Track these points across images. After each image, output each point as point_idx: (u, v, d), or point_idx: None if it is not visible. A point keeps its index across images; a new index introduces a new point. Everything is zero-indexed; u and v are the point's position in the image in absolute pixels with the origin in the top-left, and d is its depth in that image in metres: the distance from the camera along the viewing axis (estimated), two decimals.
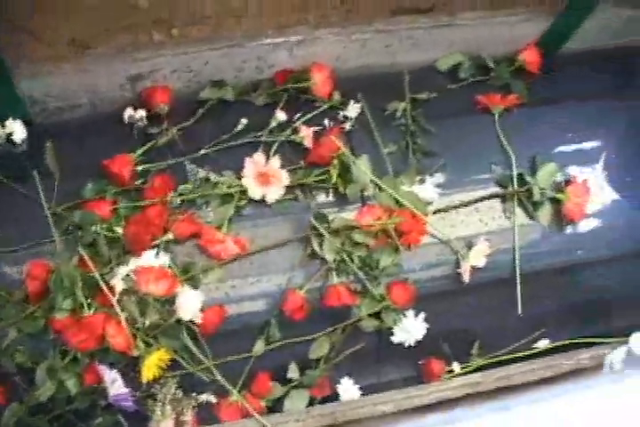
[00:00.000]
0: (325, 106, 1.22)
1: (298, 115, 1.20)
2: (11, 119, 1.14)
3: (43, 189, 1.09)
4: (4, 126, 1.13)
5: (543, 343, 1.15)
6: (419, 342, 1.11)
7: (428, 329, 1.11)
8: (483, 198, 1.20)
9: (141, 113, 1.17)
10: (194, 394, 1.03)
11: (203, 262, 1.09)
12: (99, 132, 1.15)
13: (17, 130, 1.13)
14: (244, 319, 1.08)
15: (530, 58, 1.32)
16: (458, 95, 1.27)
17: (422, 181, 1.17)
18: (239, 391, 1.05)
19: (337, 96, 1.24)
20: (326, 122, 1.20)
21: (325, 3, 1.26)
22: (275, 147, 1.16)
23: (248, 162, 1.12)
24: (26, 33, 1.14)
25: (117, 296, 1.03)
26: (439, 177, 1.19)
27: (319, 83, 1.22)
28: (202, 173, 1.13)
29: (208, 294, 1.06)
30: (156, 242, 1.08)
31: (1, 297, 1.04)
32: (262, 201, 1.14)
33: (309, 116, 1.20)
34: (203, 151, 1.14)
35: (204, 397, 1.03)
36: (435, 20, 1.31)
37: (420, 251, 1.15)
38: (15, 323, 1.03)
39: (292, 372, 1.08)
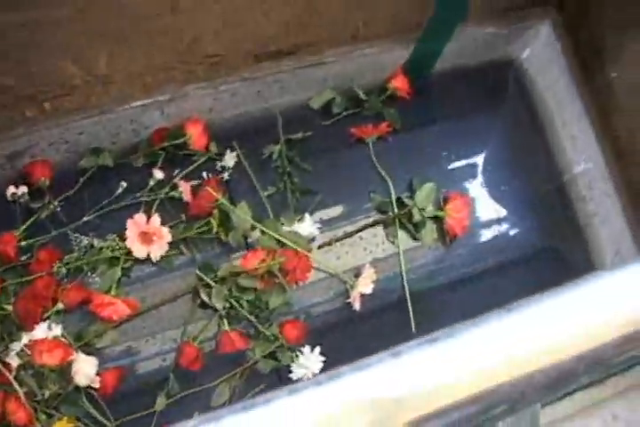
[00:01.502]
0: (202, 159, 1.25)
1: (177, 171, 1.23)
2: None
3: None
4: None
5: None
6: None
7: (325, 361, 1.13)
8: (365, 227, 1.23)
9: (23, 189, 1.20)
10: None
11: (96, 327, 1.10)
12: None
13: None
14: (144, 378, 1.11)
15: (399, 85, 1.37)
16: (333, 130, 1.32)
17: (302, 220, 1.20)
18: None
19: (213, 148, 1.28)
20: (204, 174, 1.23)
21: (190, 58, 1.29)
22: (155, 205, 1.18)
23: (129, 223, 1.16)
24: None
25: (14, 372, 1.04)
26: (323, 212, 1.22)
27: (195, 137, 1.26)
28: (85, 241, 1.16)
29: (104, 358, 1.08)
30: (47, 314, 1.10)
31: None
32: (148, 260, 1.16)
33: (187, 171, 1.23)
34: (85, 219, 1.17)
35: None
36: (300, 61, 1.35)
37: (310, 287, 1.18)
38: None
39: None
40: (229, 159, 1.27)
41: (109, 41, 1.20)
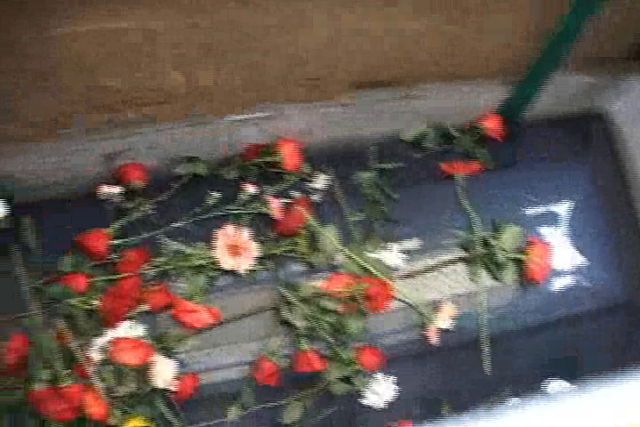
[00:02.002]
0: (294, 178, 1.40)
1: (267, 187, 1.38)
2: None
3: (22, 263, 1.25)
4: None
5: (513, 401, 1.30)
6: (389, 405, 1.25)
7: (397, 391, 1.26)
8: (447, 262, 1.37)
9: (116, 189, 1.34)
10: None
11: (177, 332, 1.24)
12: (75, 208, 1.33)
13: None
14: (218, 387, 1.24)
15: (491, 126, 1.52)
16: (423, 164, 1.46)
17: (387, 248, 1.34)
18: None
19: (305, 168, 1.42)
20: (294, 193, 1.38)
21: (291, 79, 1.45)
22: (244, 219, 1.33)
23: (219, 234, 1.30)
24: (3, 114, 1.33)
25: (94, 367, 1.18)
26: (405, 243, 1.36)
27: (287, 156, 1.41)
28: (175, 246, 1.30)
29: (182, 363, 1.21)
30: (131, 313, 1.23)
31: None
32: (233, 271, 1.30)
33: (278, 188, 1.38)
34: (176, 224, 1.31)
35: None
36: (397, 92, 1.51)
37: (388, 315, 1.31)
38: None
39: None
40: (320, 181, 1.41)
41: (217, 55, 1.36)
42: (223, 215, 1.34)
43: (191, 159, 1.38)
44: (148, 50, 1.29)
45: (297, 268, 1.32)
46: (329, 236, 1.30)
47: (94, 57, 1.24)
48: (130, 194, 1.35)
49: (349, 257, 1.31)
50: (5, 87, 1.23)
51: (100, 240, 1.26)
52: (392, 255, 1.33)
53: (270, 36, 1.34)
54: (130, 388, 1.18)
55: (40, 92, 1.28)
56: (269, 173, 1.41)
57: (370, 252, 1.33)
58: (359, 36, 1.39)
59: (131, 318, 1.23)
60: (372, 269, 1.30)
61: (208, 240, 1.30)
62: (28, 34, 1.17)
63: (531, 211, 1.45)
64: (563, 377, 1.36)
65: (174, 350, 1.23)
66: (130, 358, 1.18)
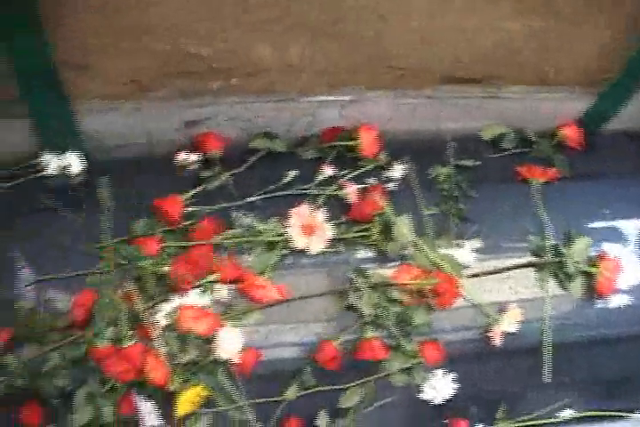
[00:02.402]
0: (371, 165, 1.49)
1: (344, 171, 1.47)
2: (68, 153, 1.40)
3: (96, 220, 1.34)
4: (61, 159, 1.39)
5: (567, 413, 1.40)
6: (446, 401, 1.35)
7: (455, 389, 1.35)
8: (517, 266, 1.46)
9: (194, 157, 1.44)
10: None
11: (243, 306, 1.33)
12: (151, 172, 1.42)
13: (74, 163, 1.40)
14: (279, 364, 1.33)
15: (571, 134, 1.62)
16: (500, 164, 1.56)
17: (460, 245, 1.44)
18: None
19: (383, 156, 1.52)
20: (371, 180, 1.47)
21: (380, 66, 1.55)
22: (319, 200, 1.43)
23: (294, 213, 1.39)
24: (87, 71, 1.42)
25: (159, 331, 1.27)
26: (476, 242, 1.46)
27: (366, 143, 1.50)
28: (248, 220, 1.39)
29: (246, 337, 1.30)
30: (200, 282, 1.33)
31: (47, 322, 1.27)
32: (304, 251, 1.39)
33: (355, 173, 1.47)
34: (251, 199, 1.41)
35: None
36: (482, 90, 1.61)
37: (453, 312, 1.41)
38: (58, 348, 1.26)
39: (322, 419, 1.32)
40: (397, 171, 1.51)
41: (308, 33, 1.45)
42: (298, 194, 1.42)
43: (269, 135, 1.48)
44: (239, 20, 1.37)
45: (367, 254, 1.41)
46: (402, 226, 1.40)
47: (185, 23, 1.34)
48: (206, 163, 1.44)
49: (421, 250, 1.40)
50: (95, 46, 1.33)
51: (176, 206, 1.35)
52: (464, 253, 1.42)
53: (365, 20, 1.43)
54: (192, 356, 1.26)
55: (128, 53, 1.37)
56: (346, 158, 1.50)
57: (442, 247, 1.41)
58: (455, 30, 1.49)
59: (199, 287, 1.30)
60: (442, 264, 1.39)
61: (282, 217, 1.39)
62: None
63: (601, 224, 1.54)
64: (617, 397, 1.45)
65: (239, 324, 1.30)
66: (196, 326, 1.27)
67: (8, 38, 1.18)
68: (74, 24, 1.26)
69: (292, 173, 1.43)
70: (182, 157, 1.41)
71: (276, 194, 1.42)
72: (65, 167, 1.39)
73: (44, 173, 1.39)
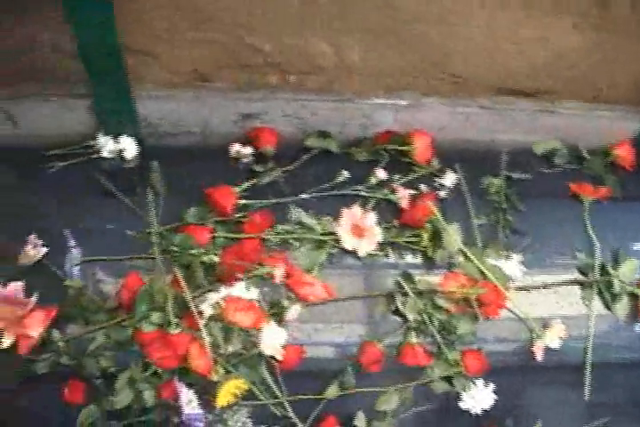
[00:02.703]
0: (423, 171, 1.58)
1: (396, 176, 1.55)
2: (124, 136, 1.48)
3: (147, 205, 1.42)
4: (117, 142, 1.47)
5: None
6: (484, 412, 1.42)
7: (495, 400, 1.43)
8: (563, 283, 1.54)
9: (248, 150, 1.52)
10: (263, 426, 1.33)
11: (289, 302, 1.41)
12: (204, 161, 1.50)
13: (128, 147, 1.48)
14: (321, 363, 1.40)
15: (624, 154, 1.70)
16: (550, 179, 1.64)
17: (508, 257, 1.52)
18: None
19: (435, 163, 1.60)
20: (422, 187, 1.56)
21: (437, 73, 1.64)
22: (371, 202, 1.51)
23: (345, 213, 1.47)
24: (148, 57, 1.51)
25: (205, 320, 1.35)
26: (524, 255, 1.54)
27: (420, 149, 1.58)
28: (300, 217, 1.47)
29: (289, 333, 1.38)
30: (249, 275, 1.40)
31: (94, 303, 1.35)
32: (353, 252, 1.47)
33: (407, 178, 1.56)
34: (304, 196, 1.49)
35: None
36: (536, 104, 1.69)
37: (497, 324, 1.48)
38: (104, 329, 1.34)
39: (360, 421, 1.39)
40: (449, 179, 1.58)
41: (368, 35, 1.53)
42: (350, 195, 1.50)
43: (324, 134, 1.56)
44: (303, 17, 1.46)
45: (415, 260, 1.48)
46: (452, 234, 1.48)
47: (248, 15, 1.41)
48: (259, 157, 1.51)
49: (469, 259, 1.48)
50: (161, 33, 1.41)
51: (229, 197, 1.43)
52: (511, 265, 1.49)
53: (426, 26, 1.52)
54: (236, 348, 1.33)
55: (191, 42, 1.44)
56: (399, 162, 1.58)
57: (490, 257, 1.49)
58: (513, 42, 1.57)
59: (247, 280, 1.38)
60: (490, 275, 1.46)
61: (332, 217, 1.46)
62: None
63: None
64: None
65: (284, 319, 1.38)
66: (242, 318, 1.34)
67: (77, 17, 1.25)
68: (142, 10, 1.34)
69: (345, 174, 1.49)
70: (236, 149, 1.48)
71: (328, 193, 1.48)
72: (120, 151, 1.46)
73: (99, 154, 1.44)
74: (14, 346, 1.28)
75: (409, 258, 1.47)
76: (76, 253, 1.35)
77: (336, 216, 1.46)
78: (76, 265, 1.35)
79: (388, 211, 1.49)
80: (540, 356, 1.43)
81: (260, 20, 1.39)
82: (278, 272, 1.37)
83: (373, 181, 1.50)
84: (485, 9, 1.47)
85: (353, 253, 1.44)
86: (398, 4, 1.42)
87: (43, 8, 1.30)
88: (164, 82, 1.47)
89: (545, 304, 1.50)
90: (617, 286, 1.50)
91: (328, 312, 1.40)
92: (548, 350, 1.44)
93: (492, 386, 1.39)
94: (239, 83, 1.50)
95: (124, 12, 1.33)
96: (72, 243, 1.36)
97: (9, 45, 1.35)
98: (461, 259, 1.47)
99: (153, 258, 1.37)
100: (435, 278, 1.45)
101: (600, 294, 1.52)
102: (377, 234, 1.44)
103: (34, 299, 1.31)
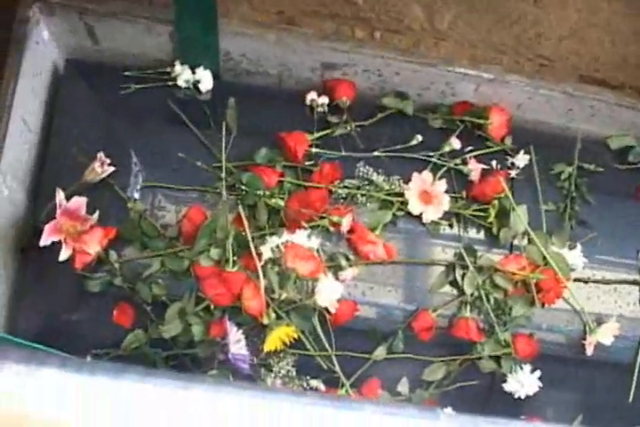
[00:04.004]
0: (497, 148, 1.75)
1: (469, 148, 1.73)
2: (202, 68, 1.65)
3: (217, 141, 1.59)
4: (194, 73, 1.64)
5: None
6: (526, 397, 1.60)
7: (539, 388, 1.60)
8: (624, 282, 1.73)
9: (324, 100, 1.69)
10: (306, 377, 1.50)
11: (348, 257, 1.58)
12: (279, 105, 1.67)
13: (205, 79, 1.64)
14: (372, 323, 1.57)
15: None
16: (623, 177, 1.82)
17: (573, 247, 1.70)
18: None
19: (509, 142, 1.78)
20: (493, 163, 1.73)
21: (525, 51, 1.82)
22: (442, 170, 1.68)
23: (415, 178, 1.64)
24: None
25: (262, 263, 1.51)
26: (587, 248, 1.72)
27: (496, 125, 1.76)
28: (369, 174, 1.64)
29: (346, 288, 1.55)
30: (311, 224, 1.57)
31: (154, 229, 1.51)
32: (418, 218, 1.64)
33: (480, 152, 1.73)
34: (376, 153, 1.66)
35: (314, 382, 1.50)
36: (619, 98, 1.88)
37: (551, 312, 1.66)
38: (161, 256, 1.50)
39: (403, 386, 1.56)
40: (521, 160, 1.76)
41: (462, 4, 1.72)
42: (421, 160, 1.68)
43: (401, 95, 1.73)
44: None
45: (478, 236, 1.66)
46: (521, 215, 1.65)
47: None
48: (334, 109, 1.68)
49: (533, 242, 1.65)
50: None
51: (302, 143, 1.60)
52: (574, 255, 1.67)
53: (523, 3, 1.71)
54: (290, 295, 1.49)
55: None
56: (473, 135, 1.76)
57: (554, 245, 1.67)
58: (607, 32, 1.76)
59: (311, 229, 1.55)
60: (552, 262, 1.64)
61: (402, 179, 1.64)
62: None
63: None
64: None
65: (340, 273, 1.55)
66: (300, 266, 1.51)
67: None
68: None
69: (419, 138, 1.67)
70: (312, 97, 1.65)
71: (401, 155, 1.65)
72: (196, 82, 1.62)
73: (175, 82, 1.61)
74: (71, 260, 1.40)
75: (472, 232, 1.63)
76: (141, 177, 1.50)
77: (404, 179, 1.60)
78: (140, 189, 1.49)
79: (458, 181, 1.65)
80: (590, 350, 1.60)
81: None
82: (345, 222, 1.49)
83: (447, 149, 1.66)
84: None
85: (418, 219, 1.60)
86: None
87: None
88: (250, 20, 1.64)
89: (602, 300, 1.68)
90: None
91: (386, 274, 1.56)
92: (599, 345, 1.60)
93: (538, 373, 1.55)
94: (325, 32, 1.67)
95: None
96: (138, 166, 1.50)
97: None
98: (526, 242, 1.62)
99: (219, 193, 1.50)
100: (495, 257, 1.61)
101: None
102: (445, 202, 1.60)
103: (95, 216, 1.42)
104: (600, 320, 1.64)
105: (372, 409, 0.56)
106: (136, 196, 1.51)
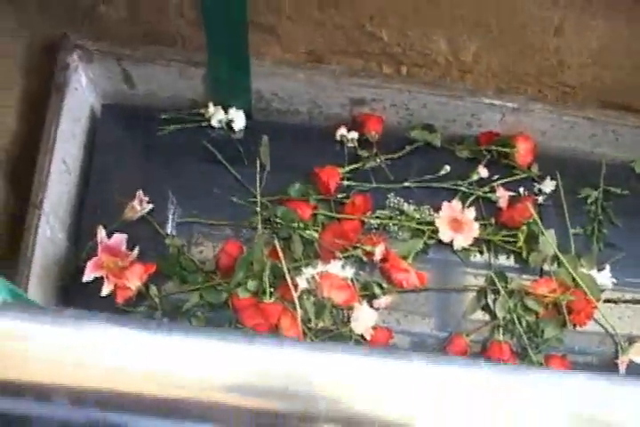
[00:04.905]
0: (523, 175, 1.76)
1: (497, 176, 1.74)
2: (234, 108, 1.67)
3: (250, 176, 1.61)
4: (226, 113, 1.67)
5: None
6: None
7: None
8: None
9: (354, 135, 1.71)
10: None
11: (382, 285, 1.58)
12: (310, 141, 1.69)
13: (238, 119, 1.67)
14: (406, 349, 1.57)
15: None
16: None
17: (602, 268, 1.69)
18: None
19: (535, 168, 1.78)
20: (521, 190, 1.74)
21: (547, 79, 1.83)
22: (471, 199, 1.69)
23: (445, 206, 1.65)
24: (268, 33, 1.70)
25: (298, 293, 1.52)
26: (615, 269, 1.71)
27: (522, 152, 1.77)
28: (400, 204, 1.65)
29: (380, 316, 1.55)
30: (345, 254, 1.58)
31: (193, 264, 1.53)
32: (448, 245, 1.65)
33: (507, 180, 1.74)
34: (406, 184, 1.67)
35: None
36: None
37: (583, 334, 1.65)
38: (199, 289, 1.52)
39: None
40: (548, 185, 1.76)
41: (484, 34, 1.72)
42: (450, 189, 1.68)
43: (429, 127, 1.74)
44: (426, 13, 1.65)
45: (508, 261, 1.66)
46: (549, 239, 1.65)
47: (375, 5, 1.61)
48: (364, 143, 1.70)
49: (563, 265, 1.65)
50: (288, 10, 1.62)
51: (334, 177, 1.61)
52: (603, 276, 1.66)
53: (543, 34, 1.71)
54: (327, 323, 1.50)
55: (315, 23, 1.64)
56: (499, 163, 1.76)
57: (583, 267, 1.66)
58: (627, 56, 1.76)
59: (345, 258, 1.56)
60: (582, 283, 1.63)
61: (432, 208, 1.65)
62: None
63: None
64: None
65: (376, 302, 1.56)
66: (336, 295, 1.52)
67: None
68: None
69: (447, 168, 1.68)
70: (342, 132, 1.67)
71: (430, 185, 1.66)
72: (229, 121, 1.64)
73: (208, 123, 1.63)
74: (113, 295, 1.44)
75: (502, 257, 1.63)
76: (177, 213, 1.51)
77: (434, 208, 1.61)
78: (178, 225, 1.51)
79: (486, 209, 1.66)
80: (622, 369, 1.59)
81: (386, 10, 1.59)
82: (378, 250, 1.50)
83: (475, 177, 1.67)
84: (605, 19, 1.64)
85: (448, 246, 1.60)
86: (521, 9, 1.59)
87: None
88: (281, 60, 1.66)
89: (632, 320, 1.66)
90: None
91: (418, 301, 1.56)
92: (631, 364, 1.59)
93: None
94: (353, 68, 1.68)
95: None
96: (175, 203, 1.52)
97: (140, 8, 1.53)
98: (555, 265, 1.62)
99: (254, 227, 1.52)
100: (526, 282, 1.60)
101: None
102: (474, 229, 1.60)
103: (135, 252, 1.44)
104: (631, 340, 1.63)
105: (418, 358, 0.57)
106: (174, 232, 1.51)
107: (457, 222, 1.61)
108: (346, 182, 1.62)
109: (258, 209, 1.56)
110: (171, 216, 1.55)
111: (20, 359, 0.48)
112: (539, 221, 1.64)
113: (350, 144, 1.67)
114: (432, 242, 1.61)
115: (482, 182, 1.70)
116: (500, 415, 0.58)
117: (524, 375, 0.62)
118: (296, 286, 1.48)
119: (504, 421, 0.58)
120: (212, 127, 1.64)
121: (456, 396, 0.58)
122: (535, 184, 1.75)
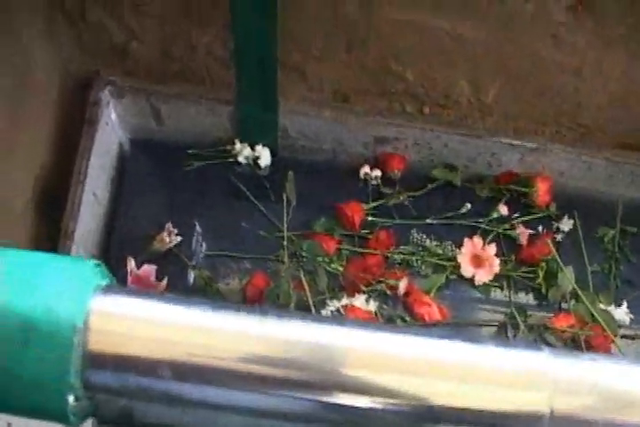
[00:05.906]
0: (542, 214, 1.75)
1: (516, 214, 1.73)
2: (260, 146, 1.68)
3: (276, 212, 1.61)
4: (253, 150, 1.67)
5: None
6: None
7: None
8: None
9: (377, 173, 1.71)
10: None
11: (405, 318, 1.57)
12: (334, 178, 1.69)
13: (263, 156, 1.67)
14: None
15: None
16: None
17: (619, 305, 1.68)
18: None
19: (553, 207, 1.77)
20: (539, 228, 1.73)
21: (565, 121, 1.83)
22: (491, 235, 1.68)
23: (467, 242, 1.64)
24: (297, 73, 1.71)
25: None
26: (633, 306, 1.70)
27: (540, 192, 1.76)
28: (423, 240, 1.65)
29: None
30: (369, 288, 1.57)
31: (220, 295, 1.52)
32: (470, 280, 1.64)
33: (526, 218, 1.73)
34: (428, 221, 1.67)
35: None
36: None
37: None
38: None
39: None
40: (566, 224, 1.76)
41: (505, 77, 1.73)
42: (471, 226, 1.68)
43: (450, 166, 1.75)
44: (450, 54, 1.66)
45: (528, 296, 1.65)
46: (568, 275, 1.64)
47: (400, 43, 1.62)
48: (386, 180, 1.70)
49: (581, 301, 1.64)
50: (315, 51, 1.63)
51: (358, 213, 1.61)
52: (621, 312, 1.65)
53: (563, 76, 1.72)
54: None
55: (342, 64, 1.66)
56: (518, 202, 1.76)
57: (601, 303, 1.65)
58: None
59: (369, 292, 1.55)
60: (600, 319, 1.62)
61: (454, 244, 1.64)
62: (354, 4, 1.56)
63: None
64: None
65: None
66: None
67: (240, 26, 1.47)
68: (301, 26, 1.55)
69: (468, 206, 1.67)
70: (365, 171, 1.67)
71: (452, 222, 1.66)
72: (255, 158, 1.65)
73: (235, 159, 1.64)
74: None
75: (522, 293, 1.62)
76: (205, 246, 1.51)
77: (456, 244, 1.60)
78: (205, 257, 1.50)
79: (506, 246, 1.65)
80: None
81: (410, 51, 1.60)
82: (402, 285, 1.49)
83: (495, 215, 1.66)
84: (625, 64, 1.65)
85: (469, 281, 1.59)
86: (543, 53, 1.60)
87: (208, 14, 1.50)
88: (307, 99, 1.67)
89: None
90: None
91: None
92: None
93: None
94: (377, 107, 1.69)
95: (283, 27, 1.52)
96: (202, 236, 1.52)
97: (171, 46, 1.55)
98: (574, 301, 1.61)
99: (280, 260, 1.52)
100: (545, 316, 1.59)
101: None
102: (495, 265, 1.59)
103: (164, 283, 1.43)
104: None
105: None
106: (201, 264, 1.50)
107: (478, 258, 1.60)
108: (370, 218, 1.60)
109: (284, 243, 1.54)
110: (198, 249, 1.54)
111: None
112: (558, 258, 1.62)
113: (374, 182, 1.66)
114: (453, 277, 1.59)
115: (501, 220, 1.70)
116: None
117: None
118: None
119: None
120: (239, 163, 1.64)
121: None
122: (554, 222, 1.73)
